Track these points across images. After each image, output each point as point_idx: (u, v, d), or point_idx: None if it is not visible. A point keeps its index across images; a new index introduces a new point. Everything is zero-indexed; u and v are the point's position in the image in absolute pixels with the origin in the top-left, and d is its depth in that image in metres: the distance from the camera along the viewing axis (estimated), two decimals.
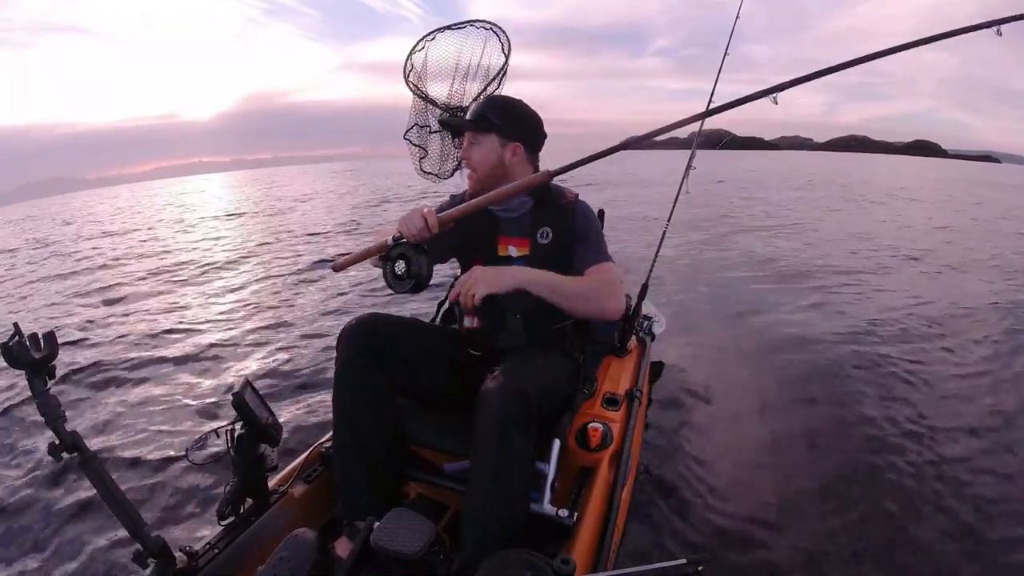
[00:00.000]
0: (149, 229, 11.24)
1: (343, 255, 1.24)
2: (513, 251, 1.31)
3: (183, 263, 6.61)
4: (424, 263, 1.10)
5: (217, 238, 8.93)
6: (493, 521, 0.96)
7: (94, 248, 8.89)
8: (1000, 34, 0.95)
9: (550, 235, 1.28)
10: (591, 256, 1.25)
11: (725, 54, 2.60)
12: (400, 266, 1.11)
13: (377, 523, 0.92)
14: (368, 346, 1.14)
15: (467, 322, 1.33)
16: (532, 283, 1.11)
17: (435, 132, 1.63)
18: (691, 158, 2.48)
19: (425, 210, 1.12)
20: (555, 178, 1.20)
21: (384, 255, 1.13)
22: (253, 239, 8.38)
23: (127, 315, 4.51)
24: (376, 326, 1.17)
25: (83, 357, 3.44)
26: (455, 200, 1.39)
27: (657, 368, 2.64)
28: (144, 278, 5.93)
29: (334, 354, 1.17)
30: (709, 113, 1.24)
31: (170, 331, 3.93)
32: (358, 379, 1.14)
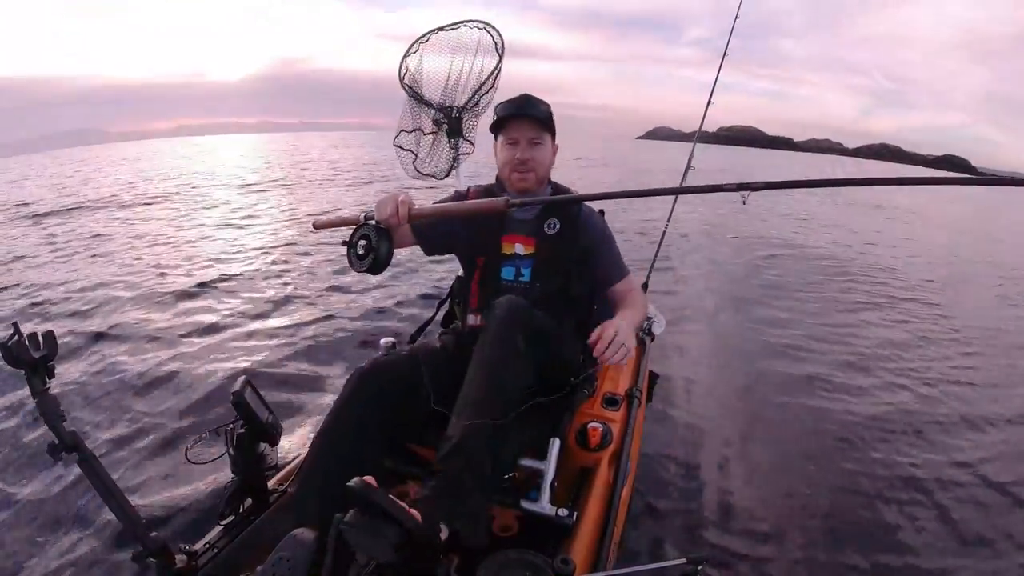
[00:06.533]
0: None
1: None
2: (520, 249, 1.31)
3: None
4: (384, 246, 1.10)
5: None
6: (481, 410, 0.96)
7: None
8: None
9: (557, 226, 1.30)
10: (614, 271, 1.33)
11: (724, 53, 2.61)
12: (362, 246, 1.12)
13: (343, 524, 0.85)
14: (377, 394, 1.09)
15: (471, 319, 1.34)
16: (633, 330, 1.18)
17: (428, 134, 1.64)
18: (690, 158, 2.48)
19: (401, 198, 1.10)
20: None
21: (352, 232, 1.15)
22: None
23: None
24: (390, 374, 1.12)
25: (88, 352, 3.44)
26: (459, 197, 1.40)
27: (653, 379, 2.60)
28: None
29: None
30: (682, 191, 1.10)
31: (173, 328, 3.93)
32: (355, 427, 1.07)
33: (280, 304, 4.48)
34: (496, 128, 1.31)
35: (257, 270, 4.85)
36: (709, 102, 2.54)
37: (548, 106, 1.29)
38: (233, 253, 5.50)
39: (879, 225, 9.36)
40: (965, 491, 1.84)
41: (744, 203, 0.93)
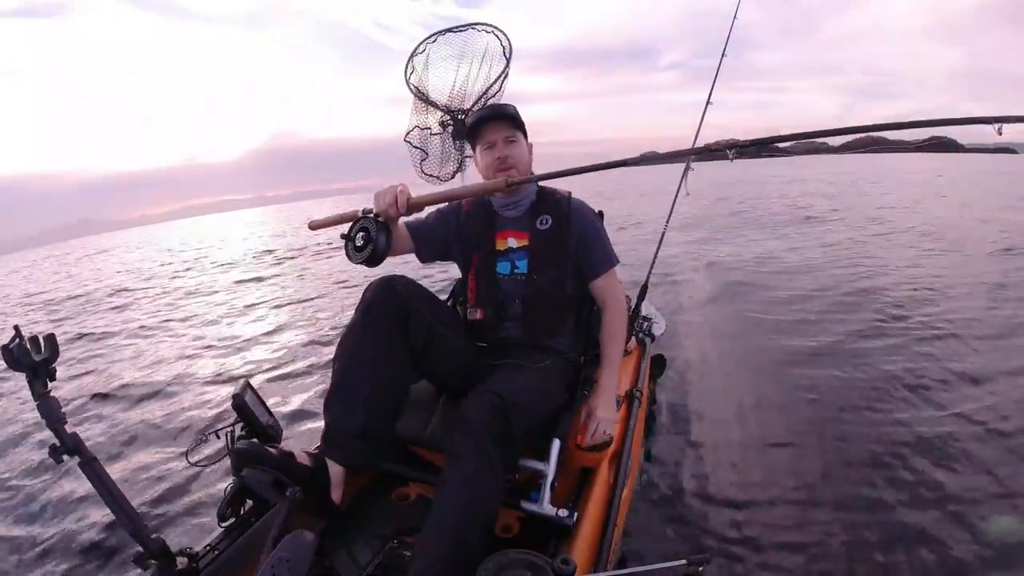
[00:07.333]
0: None
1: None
2: (513, 242, 1.35)
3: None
4: (383, 238, 1.11)
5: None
6: (455, 536, 0.90)
7: None
8: (1000, 133, 0.82)
9: (549, 221, 1.34)
10: (597, 265, 1.35)
11: (723, 55, 2.62)
12: (360, 238, 1.12)
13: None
14: (396, 298, 1.13)
15: (471, 313, 1.35)
16: (614, 383, 1.30)
17: (436, 134, 1.64)
18: (688, 160, 2.48)
19: (399, 188, 1.13)
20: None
21: (350, 225, 1.16)
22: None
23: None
24: (402, 286, 1.17)
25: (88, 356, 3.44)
26: (454, 204, 1.41)
27: (659, 362, 2.62)
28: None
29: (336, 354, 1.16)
30: (677, 154, 1.21)
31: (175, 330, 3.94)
32: (382, 320, 1.12)
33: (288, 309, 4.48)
34: (472, 138, 1.35)
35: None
36: (708, 102, 2.54)
37: (514, 107, 1.34)
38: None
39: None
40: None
41: (731, 160, 1.01)
